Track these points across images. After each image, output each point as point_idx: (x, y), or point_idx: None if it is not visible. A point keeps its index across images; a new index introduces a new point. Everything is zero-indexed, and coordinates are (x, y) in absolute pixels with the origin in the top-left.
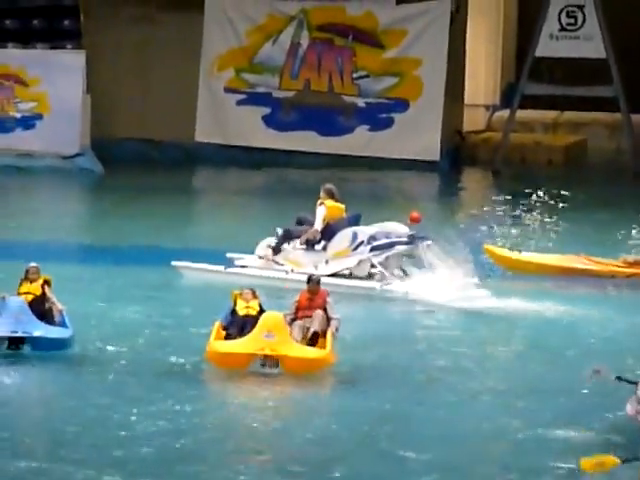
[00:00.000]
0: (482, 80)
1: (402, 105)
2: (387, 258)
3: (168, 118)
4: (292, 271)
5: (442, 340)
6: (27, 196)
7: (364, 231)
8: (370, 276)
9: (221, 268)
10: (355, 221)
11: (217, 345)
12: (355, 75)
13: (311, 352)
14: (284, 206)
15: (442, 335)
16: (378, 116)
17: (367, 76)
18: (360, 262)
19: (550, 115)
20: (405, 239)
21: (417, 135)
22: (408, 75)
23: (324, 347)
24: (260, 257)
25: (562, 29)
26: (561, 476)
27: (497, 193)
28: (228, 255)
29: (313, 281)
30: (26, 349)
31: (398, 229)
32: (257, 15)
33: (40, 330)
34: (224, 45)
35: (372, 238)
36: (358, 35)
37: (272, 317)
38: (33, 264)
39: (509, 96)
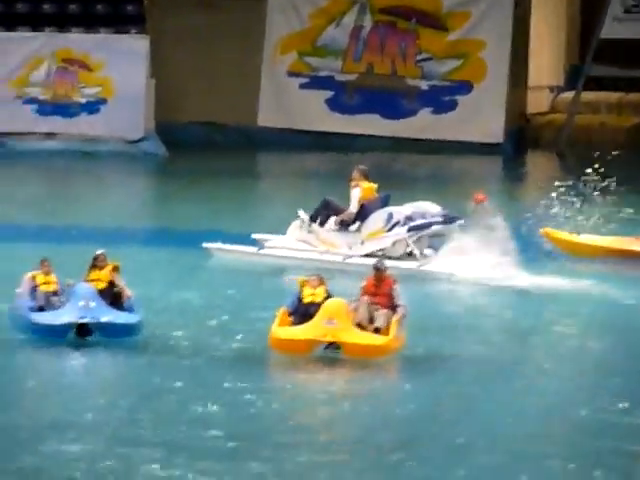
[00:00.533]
0: (546, 62)
1: (465, 87)
2: (419, 238)
3: (231, 102)
4: (327, 252)
5: (502, 321)
6: (92, 180)
7: (400, 212)
8: (406, 256)
9: (254, 249)
10: (385, 202)
11: (279, 332)
12: (418, 58)
13: (373, 339)
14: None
15: (501, 316)
16: (441, 99)
17: (430, 59)
18: (395, 243)
19: (614, 97)
20: (440, 219)
21: (481, 117)
22: (472, 57)
23: (388, 334)
24: (298, 216)
25: (626, 11)
26: (628, 456)
27: (561, 175)
28: (254, 236)
29: (379, 268)
30: (95, 336)
31: (432, 209)
32: None
33: (109, 316)
34: (287, 28)
35: (409, 218)
36: (421, 17)
37: (334, 304)
38: (101, 251)
39: (573, 78)
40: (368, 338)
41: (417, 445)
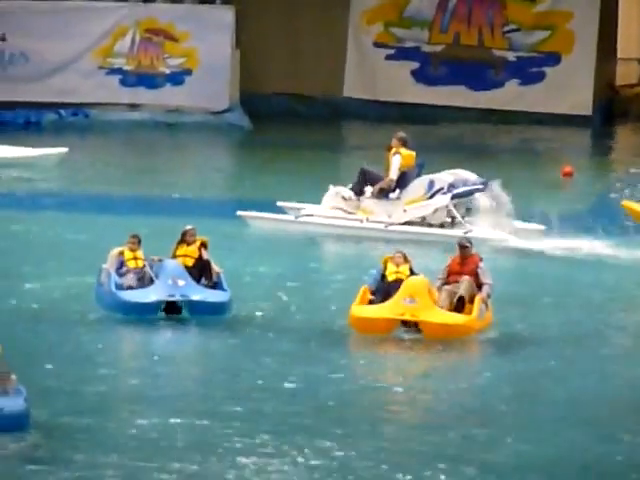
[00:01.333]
0: (635, 33)
1: (553, 59)
2: (455, 205)
3: (316, 73)
4: (367, 220)
5: (577, 292)
6: (176, 152)
7: (441, 179)
8: (447, 223)
9: (290, 217)
10: (421, 167)
11: (358, 310)
12: (505, 29)
13: (453, 318)
14: (433, 162)
15: (573, 286)
16: (529, 70)
17: (518, 29)
18: (437, 210)
19: None
20: (481, 185)
21: (569, 89)
22: (560, 28)
23: (470, 313)
24: (344, 198)
25: None
26: None
27: None
28: (279, 203)
29: (465, 245)
30: (183, 313)
31: (469, 176)
32: None
33: (199, 294)
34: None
35: (451, 186)
36: None
37: (415, 282)
38: (190, 226)
39: None
40: (449, 317)
41: (496, 421)
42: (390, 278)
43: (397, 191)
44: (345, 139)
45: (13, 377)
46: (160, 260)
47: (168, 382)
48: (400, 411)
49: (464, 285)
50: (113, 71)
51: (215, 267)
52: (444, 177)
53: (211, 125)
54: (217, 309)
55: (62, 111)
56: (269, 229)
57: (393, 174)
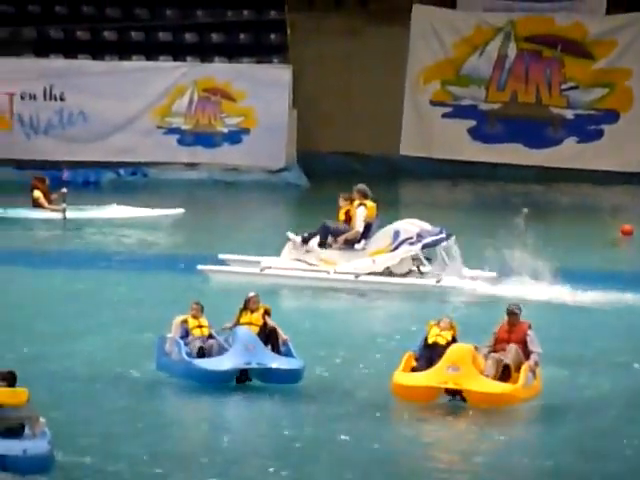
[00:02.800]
0: None
1: (612, 116)
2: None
3: (373, 131)
4: (334, 271)
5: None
6: (234, 210)
7: (407, 229)
8: (409, 273)
9: (254, 270)
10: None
11: (401, 377)
12: (563, 86)
13: (498, 387)
14: (490, 220)
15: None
16: (587, 127)
17: (576, 87)
18: (402, 260)
19: None
20: (444, 235)
21: (627, 147)
22: (618, 86)
23: (517, 382)
24: (288, 238)
25: None
26: None
27: None
28: (221, 256)
29: (514, 312)
30: (255, 382)
31: (427, 226)
32: (464, 27)
33: (275, 362)
34: (430, 57)
35: (419, 236)
36: (567, 46)
37: (459, 349)
38: (253, 293)
39: None
40: (494, 386)
41: None
42: (430, 341)
43: (362, 242)
44: (401, 197)
45: (42, 420)
46: (230, 327)
47: (224, 446)
48: None
49: (511, 353)
50: (171, 130)
51: (282, 334)
52: (409, 227)
53: (268, 184)
54: (291, 377)
55: (121, 170)
56: (232, 282)
57: (359, 226)
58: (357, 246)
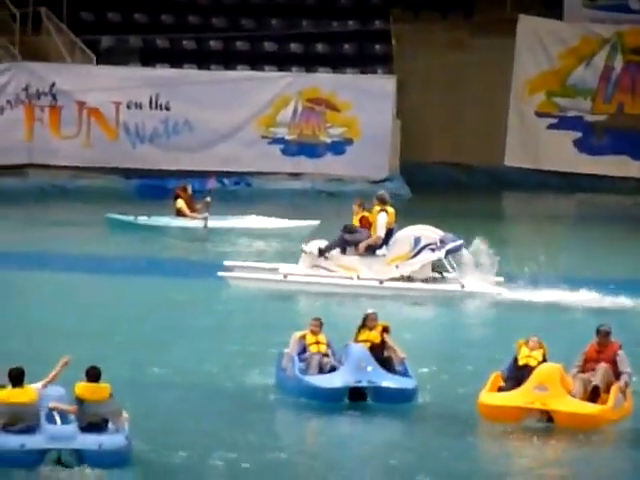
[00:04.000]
0: None
1: None
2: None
3: (477, 142)
4: (357, 277)
5: None
6: (339, 220)
7: (428, 235)
8: (430, 279)
9: (278, 277)
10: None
11: (487, 397)
12: None
13: (587, 408)
14: (595, 233)
15: None
16: None
17: None
18: (422, 266)
19: None
20: (460, 241)
21: None
22: None
23: (606, 403)
24: (304, 251)
25: None
26: None
27: None
28: (226, 263)
29: (602, 332)
30: (368, 400)
31: (440, 232)
32: (570, 38)
33: (386, 380)
34: (535, 69)
35: (442, 242)
36: None
37: (547, 369)
38: (371, 310)
39: None
40: (582, 407)
41: None
42: (521, 362)
43: (384, 248)
44: (505, 208)
45: (125, 415)
46: (346, 345)
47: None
48: None
49: (600, 373)
50: (275, 140)
51: (399, 353)
52: (429, 234)
53: (371, 194)
54: (404, 396)
55: (225, 180)
56: (258, 289)
57: (380, 231)
58: (378, 252)
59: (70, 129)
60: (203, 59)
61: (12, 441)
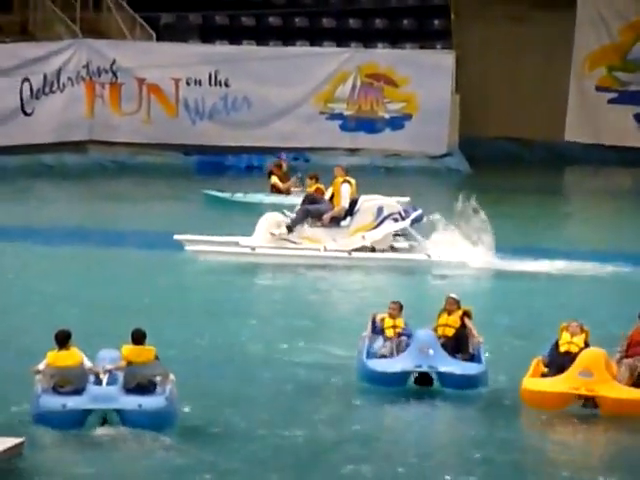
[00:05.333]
0: None
1: None
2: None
3: (537, 117)
4: (325, 248)
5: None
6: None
7: (390, 205)
8: (389, 249)
9: (246, 249)
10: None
11: (530, 383)
12: None
13: (633, 393)
14: None
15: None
16: None
17: None
18: (385, 235)
19: None
20: (420, 211)
21: None
22: None
23: None
24: (272, 234)
25: None
26: None
27: None
28: (176, 237)
29: None
30: (436, 385)
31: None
32: (630, 12)
33: (447, 365)
34: (596, 43)
35: (406, 212)
36: None
37: (591, 354)
38: (452, 295)
39: None
40: (629, 392)
41: None
42: (562, 349)
43: (347, 219)
44: (566, 184)
45: (171, 377)
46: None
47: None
48: None
49: None
50: (334, 116)
51: (477, 337)
52: (392, 203)
53: (430, 169)
54: (469, 382)
55: (283, 155)
56: (221, 260)
57: (345, 202)
58: (343, 223)
59: (130, 106)
60: (262, 35)
61: (54, 401)
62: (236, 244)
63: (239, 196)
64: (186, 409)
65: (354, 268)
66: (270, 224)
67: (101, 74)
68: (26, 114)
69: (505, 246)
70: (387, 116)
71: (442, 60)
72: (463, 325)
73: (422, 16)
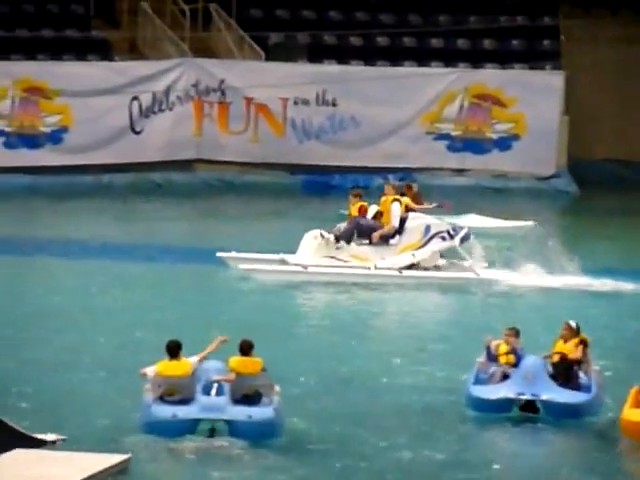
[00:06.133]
0: None
1: None
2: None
3: None
4: (375, 267)
5: None
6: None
7: (437, 224)
8: (434, 267)
9: (297, 268)
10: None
11: (631, 414)
12: None
13: None
14: None
15: None
16: None
17: None
18: (432, 254)
19: None
20: (469, 230)
21: None
22: None
23: None
24: (331, 257)
25: None
26: None
27: None
28: (219, 254)
29: None
30: (541, 414)
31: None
32: None
33: (550, 393)
34: None
35: (454, 230)
36: None
37: None
38: (570, 321)
39: None
40: None
41: None
42: None
43: (397, 237)
44: None
45: (276, 388)
46: (545, 357)
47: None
48: None
49: None
50: (440, 136)
51: (590, 366)
52: (439, 222)
53: (537, 191)
54: (571, 411)
55: (390, 176)
56: (275, 281)
57: (395, 221)
58: (392, 241)
59: (238, 125)
60: (370, 55)
61: (165, 411)
62: (281, 262)
63: None
64: (301, 425)
65: (407, 286)
66: (320, 244)
67: (209, 93)
68: (135, 132)
69: (602, 267)
70: (495, 137)
71: (551, 81)
72: (579, 353)
73: (531, 37)
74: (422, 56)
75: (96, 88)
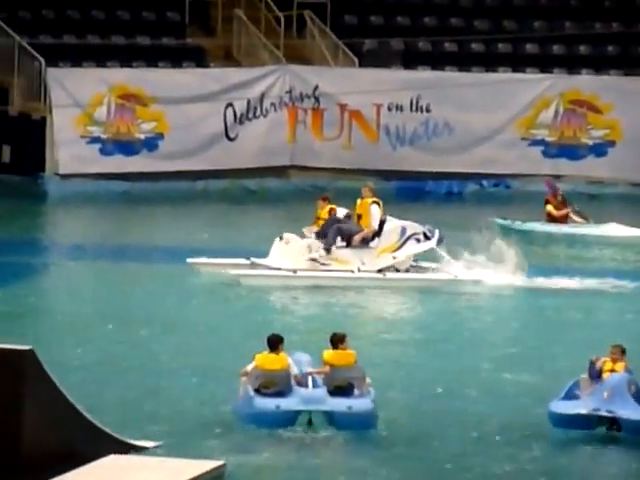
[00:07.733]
0: None
1: None
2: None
3: None
4: (359, 270)
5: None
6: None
7: (413, 226)
8: (410, 269)
9: (286, 272)
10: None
11: None
12: None
13: None
14: None
15: None
16: None
17: None
18: (407, 256)
19: None
20: (440, 233)
21: None
22: None
23: None
24: (314, 259)
25: None
26: None
27: None
28: (189, 260)
29: None
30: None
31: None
32: None
33: (627, 410)
34: None
35: (429, 231)
36: None
37: None
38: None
39: None
40: None
41: None
42: None
43: (376, 240)
44: None
45: (368, 380)
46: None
47: None
48: None
49: None
50: (535, 142)
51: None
52: (415, 225)
53: (634, 197)
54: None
55: (484, 182)
56: (265, 285)
57: (374, 223)
58: (372, 244)
59: (332, 131)
60: (464, 61)
61: (268, 403)
62: (251, 265)
63: (518, 224)
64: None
65: (394, 289)
66: (300, 247)
67: (304, 100)
68: (230, 139)
69: None
70: (590, 143)
71: None
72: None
73: (627, 43)
74: (517, 62)
75: (191, 95)
